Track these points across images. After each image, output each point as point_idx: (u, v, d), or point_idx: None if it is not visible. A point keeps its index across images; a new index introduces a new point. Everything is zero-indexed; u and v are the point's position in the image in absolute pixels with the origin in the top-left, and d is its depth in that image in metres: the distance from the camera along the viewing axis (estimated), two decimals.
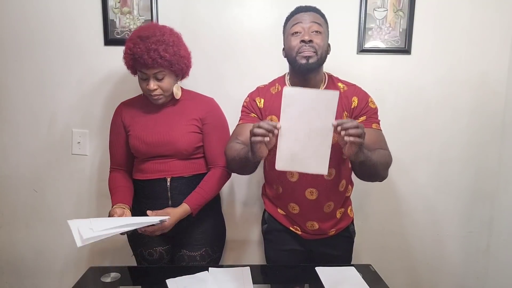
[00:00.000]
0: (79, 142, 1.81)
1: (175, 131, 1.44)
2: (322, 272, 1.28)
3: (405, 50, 1.72)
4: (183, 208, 1.39)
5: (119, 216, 1.32)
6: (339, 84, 1.40)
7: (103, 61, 1.75)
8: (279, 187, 1.42)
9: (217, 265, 1.44)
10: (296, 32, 1.30)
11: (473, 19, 1.71)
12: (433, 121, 1.78)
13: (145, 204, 1.46)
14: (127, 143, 1.49)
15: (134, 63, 1.36)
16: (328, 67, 1.75)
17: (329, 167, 1.16)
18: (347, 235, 1.50)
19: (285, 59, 1.39)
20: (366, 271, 1.30)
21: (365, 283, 1.21)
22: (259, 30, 1.74)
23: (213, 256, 1.52)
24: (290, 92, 1.05)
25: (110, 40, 1.72)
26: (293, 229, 1.45)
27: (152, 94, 1.40)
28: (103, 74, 1.77)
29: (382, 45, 1.73)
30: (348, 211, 1.49)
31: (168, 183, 1.44)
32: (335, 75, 1.43)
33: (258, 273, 1.31)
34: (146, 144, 1.43)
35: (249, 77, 1.77)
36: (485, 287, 1.90)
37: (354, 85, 1.41)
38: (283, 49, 1.39)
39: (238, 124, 1.43)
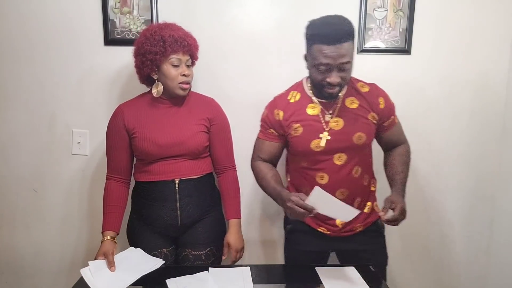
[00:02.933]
0: (79, 142, 1.80)
1: (186, 131, 1.43)
2: (322, 272, 1.28)
3: (405, 50, 1.72)
4: (234, 223, 1.51)
5: (110, 260, 1.30)
6: (359, 84, 1.40)
7: (103, 61, 1.75)
8: (309, 189, 1.41)
9: (217, 265, 1.44)
10: (325, 70, 1.25)
11: (473, 19, 1.71)
12: (433, 121, 1.78)
13: (152, 208, 1.45)
14: (130, 147, 1.47)
15: (170, 49, 1.35)
16: None
17: (355, 165, 1.36)
18: (376, 229, 1.49)
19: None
20: (366, 271, 1.30)
21: (365, 283, 1.21)
22: (259, 30, 1.73)
23: (217, 255, 1.52)
24: (319, 193, 1.16)
25: (110, 40, 1.72)
26: (321, 230, 1.43)
27: (184, 81, 1.40)
28: (103, 74, 1.76)
29: (382, 45, 1.73)
30: (374, 206, 1.48)
31: (177, 185, 1.43)
32: (353, 76, 1.39)
33: (258, 273, 1.31)
34: (158, 145, 1.41)
35: (249, 77, 1.77)
36: (485, 287, 1.90)
37: (373, 84, 1.42)
38: (305, 57, 1.33)
39: (258, 138, 1.46)
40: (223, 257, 1.49)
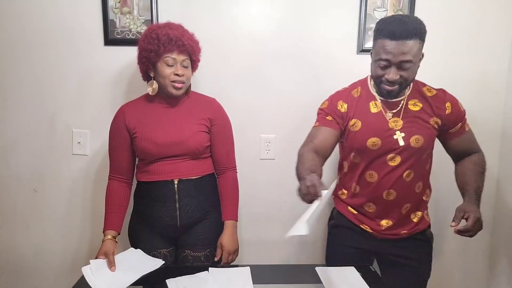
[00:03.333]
0: (79, 142, 1.81)
1: (186, 130, 1.43)
2: (322, 272, 1.28)
3: None
4: (229, 225, 1.49)
5: (111, 260, 1.31)
6: (424, 89, 1.37)
7: (103, 61, 1.75)
8: (357, 186, 1.42)
9: (217, 265, 1.44)
10: (384, 66, 1.24)
11: (473, 19, 1.71)
12: None
13: (152, 207, 1.45)
14: (131, 147, 1.47)
15: (163, 48, 1.36)
16: (328, 67, 1.76)
17: (407, 168, 1.33)
18: (423, 238, 1.45)
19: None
20: (366, 271, 1.30)
21: (365, 283, 1.21)
22: (259, 30, 1.74)
23: (215, 254, 1.51)
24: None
25: (110, 40, 1.72)
26: (363, 227, 1.43)
27: (177, 80, 1.39)
28: (103, 74, 1.76)
29: None
30: (425, 215, 1.45)
31: (176, 186, 1.43)
32: (420, 81, 1.39)
33: (258, 273, 1.31)
34: (157, 145, 1.41)
35: (249, 78, 1.77)
36: (485, 287, 1.90)
37: (442, 89, 1.39)
38: (371, 53, 1.32)
39: (314, 126, 1.42)
40: (215, 259, 1.47)
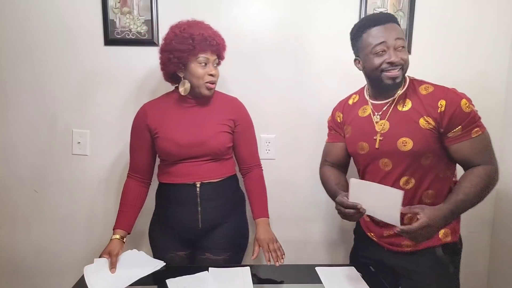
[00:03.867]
0: (79, 142, 1.81)
1: (207, 131, 1.41)
2: (322, 272, 1.28)
3: None
4: (261, 222, 1.45)
5: (113, 261, 1.31)
6: (421, 87, 1.25)
7: (103, 61, 1.75)
8: None
9: (217, 265, 1.44)
10: (382, 51, 1.20)
11: (473, 19, 1.71)
12: None
13: (172, 210, 1.44)
14: (152, 147, 1.45)
15: (198, 47, 1.33)
16: (328, 67, 1.76)
17: (403, 175, 1.24)
18: (432, 257, 1.26)
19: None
20: (366, 271, 1.30)
21: (365, 283, 1.21)
22: (260, 30, 1.74)
23: (235, 259, 1.50)
24: (356, 184, 1.12)
25: (110, 40, 1.72)
26: (370, 235, 1.39)
27: (210, 80, 1.38)
28: (103, 74, 1.76)
29: None
30: (440, 233, 1.25)
31: (198, 189, 1.41)
32: (420, 79, 1.31)
33: (258, 273, 1.31)
34: (179, 145, 1.39)
35: (249, 78, 1.77)
36: (485, 287, 1.90)
37: (443, 86, 1.24)
38: (357, 61, 1.30)
39: (326, 141, 1.49)
40: (252, 258, 1.37)
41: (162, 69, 1.43)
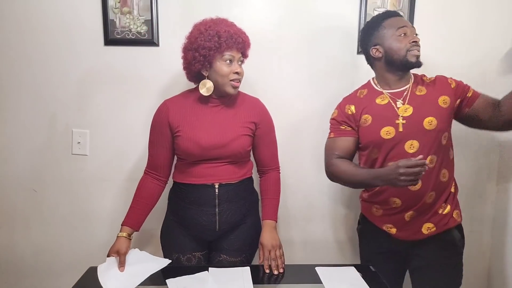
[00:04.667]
0: (79, 142, 1.80)
1: (230, 133, 1.38)
2: (322, 272, 1.28)
3: None
4: (267, 224, 1.43)
5: (122, 260, 1.31)
6: (424, 78, 1.44)
7: (103, 61, 1.75)
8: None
9: (217, 265, 1.44)
10: (404, 34, 1.36)
11: (473, 19, 1.71)
12: None
13: (189, 211, 1.41)
14: (172, 145, 1.42)
15: (225, 45, 1.31)
16: (328, 67, 1.76)
17: (430, 154, 1.33)
18: (449, 239, 1.40)
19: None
20: (366, 271, 1.30)
21: (365, 283, 1.21)
22: (260, 30, 1.73)
23: (250, 260, 1.49)
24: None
25: (110, 40, 1.72)
26: (385, 229, 1.42)
27: (236, 79, 1.36)
28: (103, 74, 1.76)
29: None
30: (454, 214, 1.40)
31: (216, 190, 1.39)
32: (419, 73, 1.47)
33: (258, 273, 1.31)
34: (201, 147, 1.36)
35: (249, 78, 1.76)
36: (485, 287, 1.90)
37: (437, 75, 1.45)
38: (374, 49, 1.40)
39: (329, 138, 1.47)
40: (260, 261, 1.38)
41: (186, 68, 1.41)
